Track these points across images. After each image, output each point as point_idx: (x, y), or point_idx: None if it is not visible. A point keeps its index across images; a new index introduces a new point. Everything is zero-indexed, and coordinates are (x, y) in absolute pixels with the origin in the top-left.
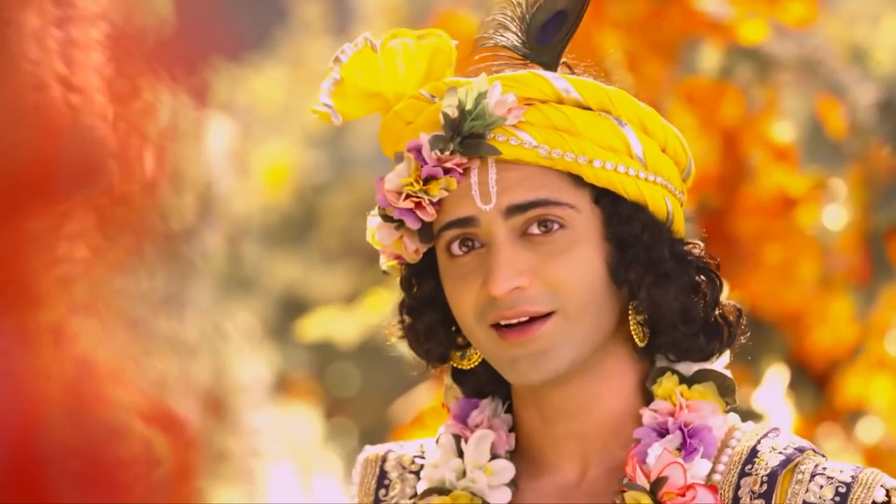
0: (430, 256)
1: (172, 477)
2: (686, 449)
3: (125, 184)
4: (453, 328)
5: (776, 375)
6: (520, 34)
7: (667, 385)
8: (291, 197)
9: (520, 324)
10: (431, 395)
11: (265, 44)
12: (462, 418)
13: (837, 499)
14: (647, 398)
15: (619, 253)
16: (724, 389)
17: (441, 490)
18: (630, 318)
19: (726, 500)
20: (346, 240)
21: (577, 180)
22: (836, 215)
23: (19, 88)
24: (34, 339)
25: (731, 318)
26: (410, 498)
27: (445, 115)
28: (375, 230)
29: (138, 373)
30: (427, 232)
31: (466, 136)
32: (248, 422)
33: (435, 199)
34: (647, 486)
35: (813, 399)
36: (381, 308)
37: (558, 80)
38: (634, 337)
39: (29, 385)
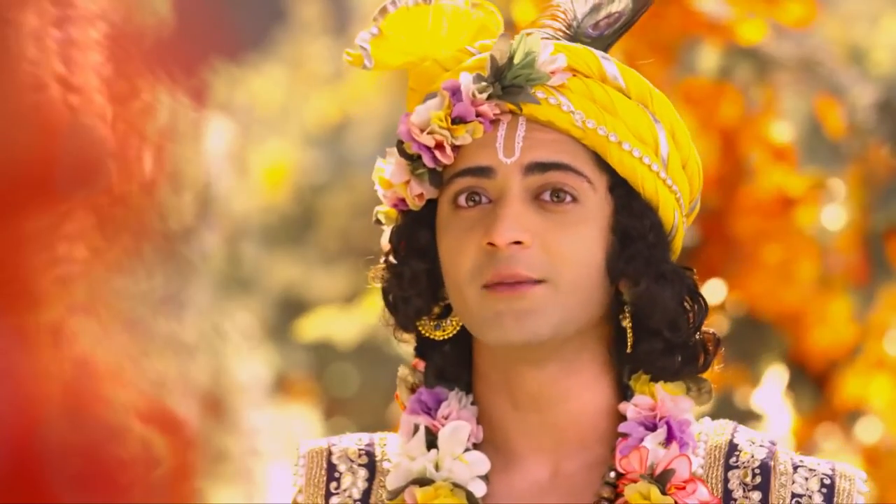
0: (428, 208)
1: (171, 477)
2: (679, 442)
3: (124, 184)
4: (437, 289)
5: (775, 375)
6: (568, 30)
7: (644, 378)
8: (290, 197)
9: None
10: None
11: (264, 44)
12: (426, 409)
13: (825, 490)
14: (623, 397)
15: (621, 246)
16: (698, 390)
17: (422, 481)
18: (623, 323)
19: (717, 493)
20: (346, 240)
21: (600, 162)
22: (834, 215)
23: (18, 88)
24: (34, 339)
25: (710, 345)
26: (364, 491)
27: (493, 59)
28: (389, 167)
29: (137, 373)
30: (438, 176)
31: (508, 85)
32: (247, 422)
33: (457, 142)
34: (649, 479)
35: (812, 399)
36: (380, 309)
37: (607, 62)
38: (628, 339)
39: (28, 385)
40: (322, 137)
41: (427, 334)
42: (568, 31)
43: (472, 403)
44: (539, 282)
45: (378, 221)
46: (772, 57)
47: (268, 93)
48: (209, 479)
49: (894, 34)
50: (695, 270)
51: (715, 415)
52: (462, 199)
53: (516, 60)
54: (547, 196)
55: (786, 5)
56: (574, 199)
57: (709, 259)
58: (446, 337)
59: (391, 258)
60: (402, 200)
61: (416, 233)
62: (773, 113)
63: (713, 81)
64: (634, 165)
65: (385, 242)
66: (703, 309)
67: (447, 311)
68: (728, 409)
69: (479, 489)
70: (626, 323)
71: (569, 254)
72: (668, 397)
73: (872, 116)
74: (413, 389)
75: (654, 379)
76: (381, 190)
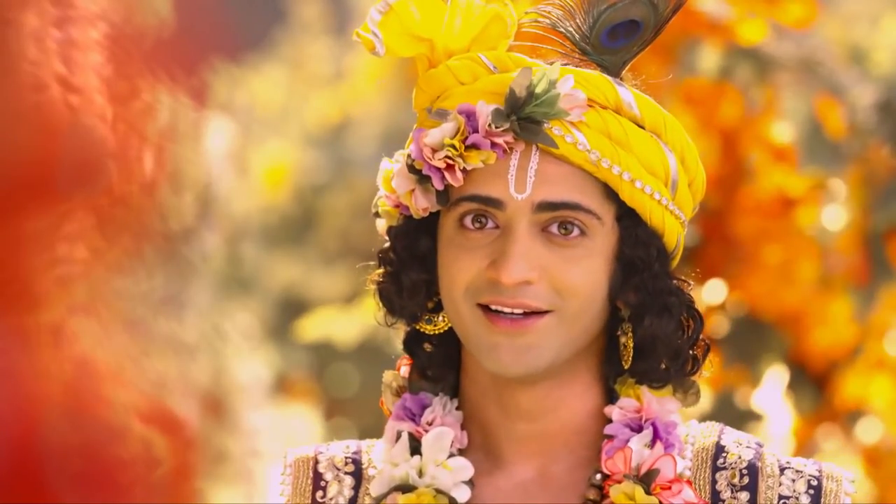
0: (430, 215)
1: (172, 477)
2: (664, 443)
3: (124, 184)
4: (433, 292)
5: (775, 376)
6: (581, 26)
7: (630, 382)
8: (290, 197)
9: (513, 314)
10: None
11: (264, 44)
12: (411, 415)
13: (812, 492)
14: (609, 400)
15: (624, 275)
16: (684, 391)
17: (405, 488)
18: (622, 339)
19: (704, 494)
20: (346, 240)
21: (609, 193)
22: (835, 216)
23: (19, 89)
24: (34, 340)
25: (700, 353)
26: (350, 499)
27: (512, 93)
28: (394, 175)
29: (138, 373)
30: (445, 196)
31: (523, 119)
32: (248, 422)
33: (469, 168)
34: (634, 480)
35: (812, 399)
36: (377, 306)
37: (623, 91)
38: (623, 360)
39: (29, 385)
40: (322, 138)
41: (418, 327)
42: (581, 30)
43: (458, 408)
44: (545, 312)
45: (377, 215)
46: (772, 57)
47: (268, 93)
48: (209, 479)
49: (894, 34)
50: (690, 283)
51: (715, 415)
52: (468, 221)
53: (537, 92)
54: (555, 228)
55: (786, 5)
56: (582, 232)
57: (709, 259)
58: (437, 332)
59: (391, 255)
60: (402, 206)
61: (418, 240)
62: (773, 113)
63: (713, 81)
64: (644, 201)
65: (383, 232)
66: (699, 324)
67: (439, 306)
68: (728, 409)
69: (462, 495)
70: (626, 340)
71: (577, 287)
72: (654, 399)
73: (873, 117)
74: (398, 394)
75: (640, 383)
76: (384, 192)
